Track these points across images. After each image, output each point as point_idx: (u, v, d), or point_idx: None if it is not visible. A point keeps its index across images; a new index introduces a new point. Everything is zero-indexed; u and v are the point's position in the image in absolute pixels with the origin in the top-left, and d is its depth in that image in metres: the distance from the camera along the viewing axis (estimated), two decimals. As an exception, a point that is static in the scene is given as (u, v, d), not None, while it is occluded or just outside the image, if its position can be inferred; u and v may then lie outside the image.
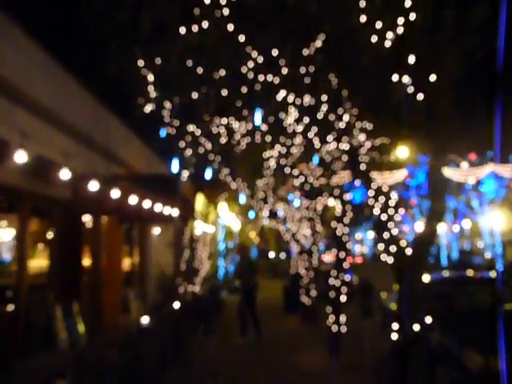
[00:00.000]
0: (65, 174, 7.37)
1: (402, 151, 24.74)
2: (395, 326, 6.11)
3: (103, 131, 11.87)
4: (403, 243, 6.46)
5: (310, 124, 8.34)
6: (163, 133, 9.71)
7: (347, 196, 9.89)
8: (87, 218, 11.89)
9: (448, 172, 26.33)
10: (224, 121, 10.03)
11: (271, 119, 10.60)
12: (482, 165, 32.36)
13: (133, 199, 9.11)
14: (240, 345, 12.22)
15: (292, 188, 16.92)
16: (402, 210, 6.72)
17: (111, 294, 12.64)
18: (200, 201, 22.39)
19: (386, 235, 6.54)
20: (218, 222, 25.36)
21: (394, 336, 6.09)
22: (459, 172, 32.45)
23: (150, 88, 9.03)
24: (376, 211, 6.79)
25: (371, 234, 64.98)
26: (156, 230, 18.26)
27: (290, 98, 8.05)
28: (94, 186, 8.90)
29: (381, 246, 6.59)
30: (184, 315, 10.59)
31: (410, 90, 6.16)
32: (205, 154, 11.01)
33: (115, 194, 8.93)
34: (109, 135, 12.06)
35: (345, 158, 7.57)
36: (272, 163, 12.01)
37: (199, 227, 20.26)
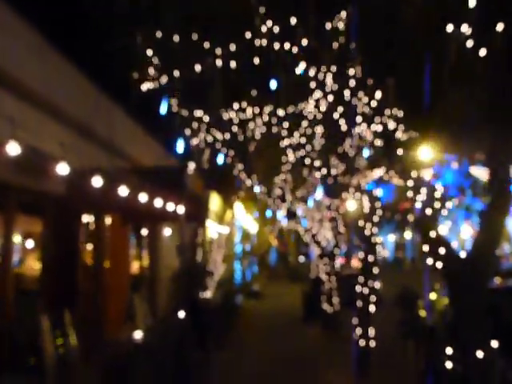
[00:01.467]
0: (61, 169, 6.73)
1: (428, 149, 23.26)
2: (449, 350, 4.86)
3: (104, 121, 10.81)
4: (455, 244, 5.23)
5: (335, 104, 7.13)
6: (163, 108, 8.52)
7: (376, 191, 8.62)
8: (88, 217, 10.86)
9: (476, 171, 24.83)
10: (235, 106, 8.88)
11: (290, 108, 9.43)
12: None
13: (134, 195, 8.03)
14: (254, 360, 11.01)
15: (312, 185, 15.70)
16: (449, 204, 5.46)
17: (115, 300, 11.53)
18: (214, 200, 21.27)
19: (432, 234, 5.28)
20: (234, 222, 24.19)
21: (449, 364, 4.83)
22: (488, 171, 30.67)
23: (152, 64, 7.91)
24: (418, 205, 5.53)
25: (392, 237, 62.92)
26: (168, 231, 17.20)
27: (312, 73, 6.86)
28: (91, 180, 8.09)
29: (425, 248, 5.37)
30: (191, 326, 9.43)
31: (470, 43, 4.93)
32: (214, 143, 9.86)
33: (113, 189, 7.91)
34: (111, 126, 10.99)
35: (377, 142, 6.31)
36: (290, 155, 10.79)
37: (213, 228, 19.15)
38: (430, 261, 5.34)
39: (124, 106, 10.89)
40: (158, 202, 7.80)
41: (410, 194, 5.83)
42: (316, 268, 22.02)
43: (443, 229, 5.51)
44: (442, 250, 5.16)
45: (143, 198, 7.27)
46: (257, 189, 14.30)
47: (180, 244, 17.73)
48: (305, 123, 10.13)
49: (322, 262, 14.19)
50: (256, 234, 33.82)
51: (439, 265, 5.18)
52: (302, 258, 46.86)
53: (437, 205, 5.48)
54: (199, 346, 9.50)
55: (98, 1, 7.77)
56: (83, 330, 9.12)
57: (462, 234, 44.18)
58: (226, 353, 11.47)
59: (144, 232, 15.53)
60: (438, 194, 5.56)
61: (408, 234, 58.65)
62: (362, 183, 9.04)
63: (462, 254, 5.23)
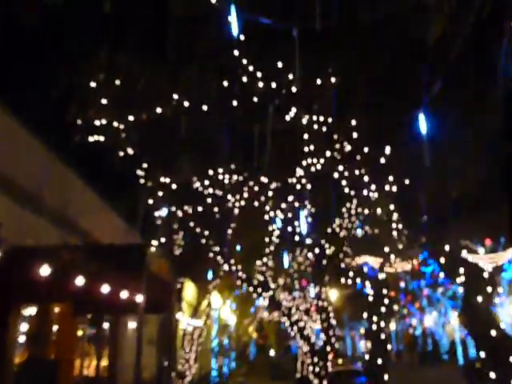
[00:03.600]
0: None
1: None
2: None
3: (58, 191, 9.21)
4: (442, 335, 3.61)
5: (333, 162, 5.75)
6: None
7: (382, 275, 7.03)
8: (27, 307, 8.92)
9: (468, 257, 23.23)
10: (209, 172, 7.44)
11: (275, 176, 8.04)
12: (497, 251, 29.60)
13: (80, 280, 6.31)
14: None
15: (295, 272, 14.02)
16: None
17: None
18: (189, 289, 19.27)
19: (493, 333, 3.64)
20: (210, 313, 21.96)
21: None
22: (478, 258, 29.42)
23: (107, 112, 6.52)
24: (460, 290, 3.95)
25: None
26: (133, 324, 15.04)
27: (304, 121, 5.54)
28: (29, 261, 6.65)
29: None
30: None
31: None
32: (185, 220, 8.26)
33: (51, 272, 6.26)
34: (65, 197, 9.38)
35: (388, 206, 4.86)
36: (275, 232, 9.21)
37: (186, 320, 17.03)
38: (492, 375, 3.65)
39: (81, 172, 9.33)
40: (105, 289, 6.06)
41: (441, 275, 4.27)
42: (302, 366, 19.63)
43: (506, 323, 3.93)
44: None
45: (80, 282, 5.55)
46: (235, 275, 12.50)
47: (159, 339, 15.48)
48: (291, 197, 8.73)
49: (311, 360, 12.14)
50: (234, 325, 31.20)
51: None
52: (272, 352, 43.60)
53: (488, 288, 3.91)
54: None
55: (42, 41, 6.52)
56: None
57: (451, 324, 41.88)
58: None
59: (104, 325, 13.42)
60: (486, 274, 4.01)
61: (392, 325, 55.74)
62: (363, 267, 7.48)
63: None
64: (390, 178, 5.15)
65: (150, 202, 7.66)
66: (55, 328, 9.73)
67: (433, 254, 4.69)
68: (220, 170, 7.52)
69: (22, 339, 8.80)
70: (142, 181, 8.54)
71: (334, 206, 8.73)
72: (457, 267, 4.33)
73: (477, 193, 9.42)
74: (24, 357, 8.11)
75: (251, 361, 46.14)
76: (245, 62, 5.64)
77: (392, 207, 5.24)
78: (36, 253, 6.98)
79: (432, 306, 42.54)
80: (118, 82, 6.23)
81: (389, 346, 6.84)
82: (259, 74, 5.72)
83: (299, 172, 7.56)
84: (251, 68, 5.68)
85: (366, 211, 8.50)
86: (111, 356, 13.38)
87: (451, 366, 36.45)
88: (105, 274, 6.89)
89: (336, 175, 6.09)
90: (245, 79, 5.68)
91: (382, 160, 5.31)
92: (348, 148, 5.51)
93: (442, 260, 4.47)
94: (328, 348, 11.80)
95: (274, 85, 5.64)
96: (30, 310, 9.22)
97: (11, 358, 7.99)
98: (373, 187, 5.50)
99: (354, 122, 5.55)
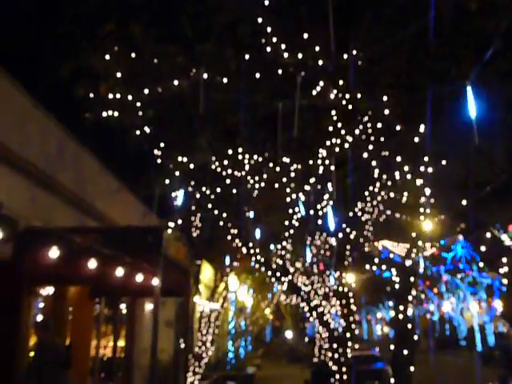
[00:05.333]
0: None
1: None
2: None
3: (73, 172, 8.99)
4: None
5: (364, 141, 5.36)
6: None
7: (409, 262, 6.65)
8: (43, 288, 8.77)
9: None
10: (228, 152, 7.09)
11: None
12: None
13: (95, 263, 6.08)
14: None
15: (316, 254, 13.66)
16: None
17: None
18: (206, 271, 19.11)
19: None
20: (228, 296, 21.82)
21: None
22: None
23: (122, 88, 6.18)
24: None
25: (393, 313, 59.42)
26: (150, 307, 14.92)
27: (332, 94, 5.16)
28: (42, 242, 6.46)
29: None
30: None
31: None
32: (203, 202, 7.96)
33: (66, 254, 6.06)
34: (79, 176, 9.14)
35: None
36: (296, 215, 8.85)
37: (203, 303, 16.89)
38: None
39: (96, 152, 9.08)
40: (121, 272, 5.81)
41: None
42: (319, 351, 19.42)
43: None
44: None
45: (96, 265, 5.30)
46: (253, 258, 12.21)
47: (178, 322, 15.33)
48: (313, 179, 8.34)
49: (330, 347, 11.83)
50: (251, 307, 31.11)
51: None
52: (289, 334, 43.53)
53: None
54: None
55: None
56: None
57: (469, 311, 41.26)
58: None
59: (121, 308, 13.31)
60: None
61: (409, 311, 55.27)
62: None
63: None
64: (426, 159, 4.79)
65: (167, 182, 7.35)
66: (71, 309, 9.61)
67: (473, 242, 4.35)
68: (240, 150, 7.17)
69: (38, 319, 8.70)
70: (159, 161, 8.20)
71: (359, 188, 8.32)
72: (499, 256, 3.96)
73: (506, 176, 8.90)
74: (37, 339, 7.96)
75: (267, 343, 46.29)
76: (269, 30, 5.25)
77: (425, 190, 4.87)
78: (50, 235, 6.76)
79: (450, 291, 41.99)
80: (133, 55, 5.89)
81: (415, 337, 6.50)
82: (283, 46, 5.33)
83: (322, 153, 7.17)
84: (275, 39, 5.30)
85: (392, 194, 8.10)
86: (128, 337, 13.31)
87: (469, 352, 36.07)
88: (121, 256, 6.65)
89: (365, 155, 5.70)
90: (268, 49, 5.30)
91: (416, 139, 4.93)
92: (379, 126, 5.14)
93: (483, 248, 4.11)
94: (348, 334, 11.47)
95: (300, 56, 5.25)
96: (47, 290, 9.08)
97: (25, 340, 7.85)
98: (406, 168, 5.13)
99: (385, 98, 5.17)
